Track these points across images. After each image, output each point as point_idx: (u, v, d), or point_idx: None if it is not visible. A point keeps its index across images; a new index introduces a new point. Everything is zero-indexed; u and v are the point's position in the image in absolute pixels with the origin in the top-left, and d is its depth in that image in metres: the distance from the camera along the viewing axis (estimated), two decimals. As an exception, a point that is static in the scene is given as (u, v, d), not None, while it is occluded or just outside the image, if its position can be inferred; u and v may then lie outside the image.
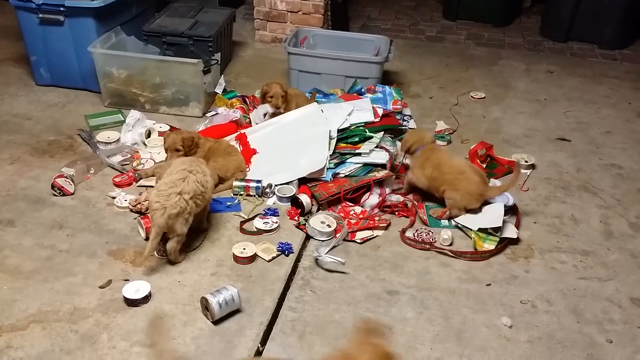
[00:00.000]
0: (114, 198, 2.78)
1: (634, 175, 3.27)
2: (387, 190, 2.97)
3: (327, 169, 2.97)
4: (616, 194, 3.10)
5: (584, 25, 5.01)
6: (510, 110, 3.94)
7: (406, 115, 3.69)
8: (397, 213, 2.87)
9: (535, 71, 4.55)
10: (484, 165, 3.23)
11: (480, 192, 2.75)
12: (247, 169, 3.01)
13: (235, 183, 2.87)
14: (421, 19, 5.58)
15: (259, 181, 2.88)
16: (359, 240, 2.68)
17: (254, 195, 2.86)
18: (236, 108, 3.52)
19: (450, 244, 2.67)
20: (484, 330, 2.23)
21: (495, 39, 5.16)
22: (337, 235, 2.66)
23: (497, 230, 2.69)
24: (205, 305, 2.18)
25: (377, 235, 2.72)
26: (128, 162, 3.04)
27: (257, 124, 3.36)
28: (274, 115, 3.36)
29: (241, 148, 3.12)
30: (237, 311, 2.22)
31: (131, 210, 2.71)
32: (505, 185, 2.81)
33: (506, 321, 2.26)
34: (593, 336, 2.22)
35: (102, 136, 3.19)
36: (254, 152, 3.11)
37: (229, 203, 2.80)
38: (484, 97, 4.09)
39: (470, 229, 2.73)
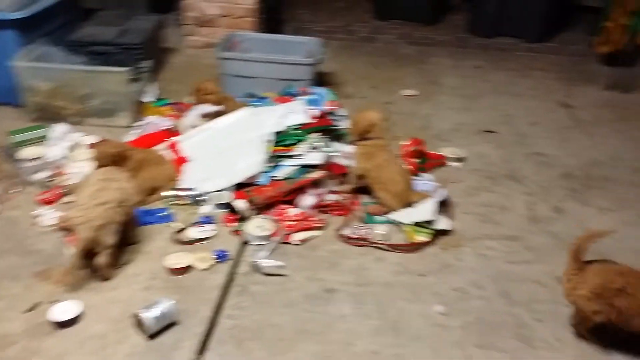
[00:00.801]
0: (39, 216, 2.69)
1: (557, 161, 3.44)
2: (324, 190, 3.00)
3: (263, 172, 2.97)
4: (540, 180, 3.24)
5: (509, 21, 5.22)
6: (440, 106, 4.06)
7: (340, 115, 3.73)
8: (333, 212, 2.90)
9: (463, 67, 4.70)
10: (416, 161, 3.30)
11: (404, 200, 2.85)
12: (180, 178, 2.97)
13: (168, 193, 2.83)
14: (354, 20, 5.66)
15: (193, 189, 2.85)
16: (296, 242, 2.70)
17: (188, 204, 2.83)
18: (168, 116, 3.47)
19: (386, 239, 2.72)
20: (419, 319, 2.29)
21: (425, 38, 5.30)
22: (275, 238, 2.67)
23: (430, 223, 2.76)
24: (139, 321, 2.13)
25: (314, 236, 2.75)
26: (54, 179, 2.94)
27: (190, 128, 3.32)
28: (215, 114, 3.33)
29: (173, 156, 3.08)
30: (173, 324, 2.18)
31: (57, 229, 2.61)
32: (427, 192, 2.92)
33: (440, 309, 2.33)
34: (522, 317, 2.32)
35: (26, 152, 3.07)
36: (187, 159, 3.07)
37: (161, 214, 2.75)
38: (415, 95, 4.19)
39: (405, 224, 2.79)
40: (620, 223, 2.92)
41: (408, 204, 2.86)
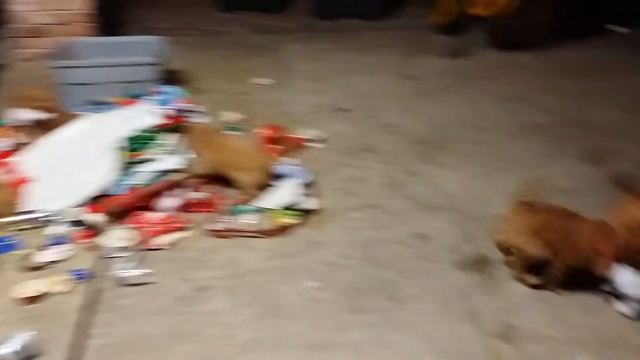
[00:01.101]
0: None
1: (406, 130, 3.64)
2: (186, 189, 2.92)
3: (118, 181, 2.82)
4: (394, 149, 3.42)
5: (351, 3, 5.42)
6: (294, 91, 4.12)
7: (195, 112, 3.65)
8: (199, 210, 2.84)
9: (313, 51, 4.81)
10: (277, 147, 3.34)
11: (265, 171, 2.89)
12: (24, 200, 2.73)
13: (9, 219, 2.59)
14: (200, 15, 5.55)
15: (39, 210, 2.63)
16: (163, 246, 2.60)
17: (36, 227, 2.61)
18: (5, 137, 3.17)
19: (255, 227, 2.71)
20: (294, 299, 2.33)
21: (274, 26, 5.34)
22: (138, 246, 2.55)
23: (296, 205, 2.81)
24: (-8, 360, 1.94)
25: (181, 237, 2.67)
26: None
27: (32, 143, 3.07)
28: (48, 123, 3.09)
29: (13, 178, 2.82)
30: (34, 356, 2.00)
31: None
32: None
33: (313, 285, 2.38)
34: (390, 277, 2.44)
35: None
36: (29, 179, 2.83)
37: (4, 242, 2.51)
38: (269, 83, 4.22)
39: (272, 209, 2.81)
40: (467, 177, 3.17)
41: (268, 175, 2.89)
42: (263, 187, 2.88)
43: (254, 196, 2.86)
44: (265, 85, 4.19)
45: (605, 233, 2.27)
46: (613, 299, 2.29)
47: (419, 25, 5.27)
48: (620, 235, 2.26)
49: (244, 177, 2.85)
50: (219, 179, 2.94)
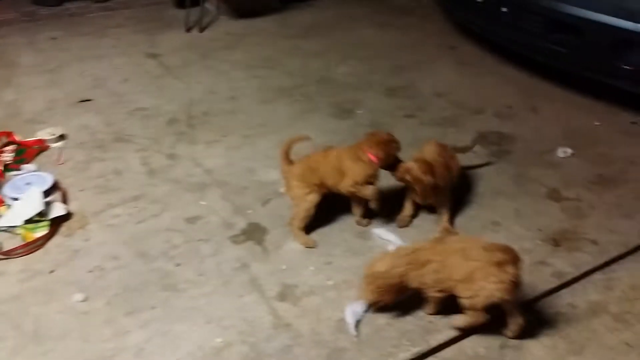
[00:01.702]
0: None
1: (159, 111, 3.50)
2: None
3: None
4: (148, 134, 3.26)
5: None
6: (24, 88, 3.66)
7: None
8: None
9: (38, 41, 4.31)
10: (13, 154, 2.92)
11: None
12: None
13: None
14: None
15: None
16: None
17: None
18: None
19: (-2, 250, 2.35)
20: (60, 317, 2.10)
21: (-17, 18, 4.62)
22: None
23: (43, 214, 2.50)
24: None
25: None
26: None
27: None
28: None
29: None
30: None
31: None
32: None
33: (79, 297, 2.17)
34: (163, 268, 2.33)
35: None
36: None
37: None
38: (-11, 83, 3.66)
39: (14, 225, 2.46)
40: (228, 149, 3.16)
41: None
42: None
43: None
44: (-18, 86, 3.61)
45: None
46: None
47: (155, 1, 5.05)
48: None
49: None
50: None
